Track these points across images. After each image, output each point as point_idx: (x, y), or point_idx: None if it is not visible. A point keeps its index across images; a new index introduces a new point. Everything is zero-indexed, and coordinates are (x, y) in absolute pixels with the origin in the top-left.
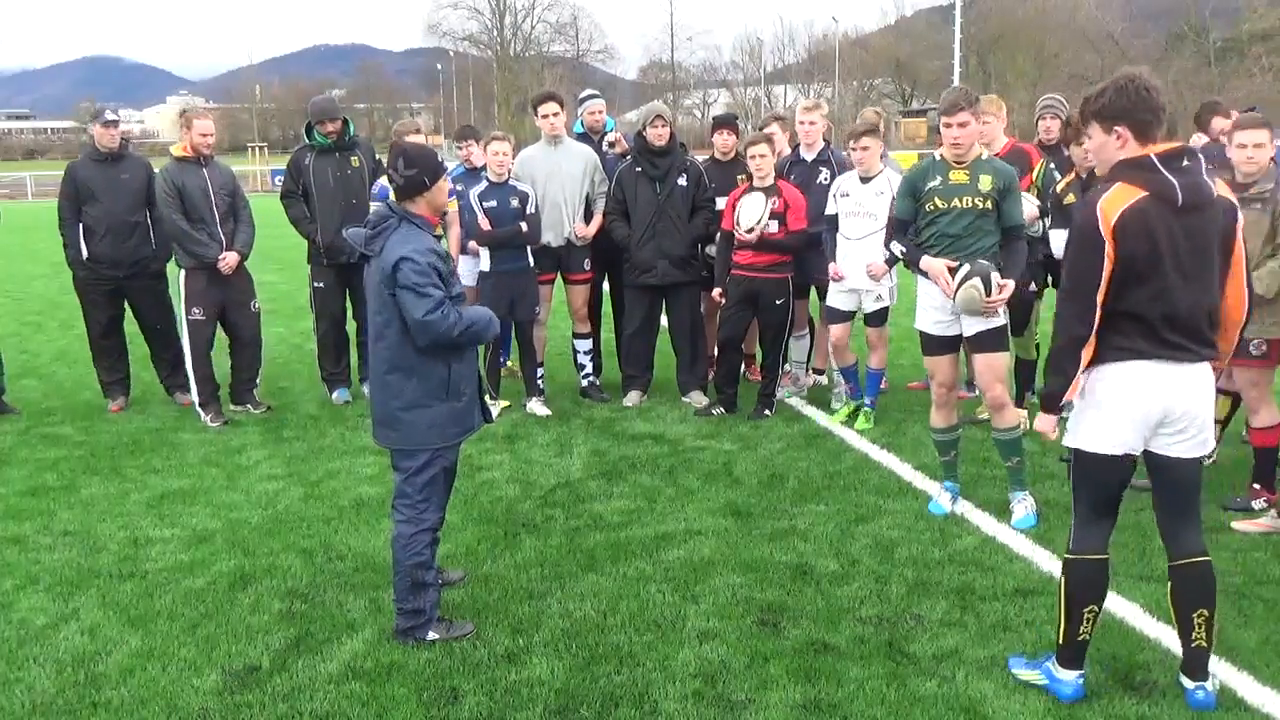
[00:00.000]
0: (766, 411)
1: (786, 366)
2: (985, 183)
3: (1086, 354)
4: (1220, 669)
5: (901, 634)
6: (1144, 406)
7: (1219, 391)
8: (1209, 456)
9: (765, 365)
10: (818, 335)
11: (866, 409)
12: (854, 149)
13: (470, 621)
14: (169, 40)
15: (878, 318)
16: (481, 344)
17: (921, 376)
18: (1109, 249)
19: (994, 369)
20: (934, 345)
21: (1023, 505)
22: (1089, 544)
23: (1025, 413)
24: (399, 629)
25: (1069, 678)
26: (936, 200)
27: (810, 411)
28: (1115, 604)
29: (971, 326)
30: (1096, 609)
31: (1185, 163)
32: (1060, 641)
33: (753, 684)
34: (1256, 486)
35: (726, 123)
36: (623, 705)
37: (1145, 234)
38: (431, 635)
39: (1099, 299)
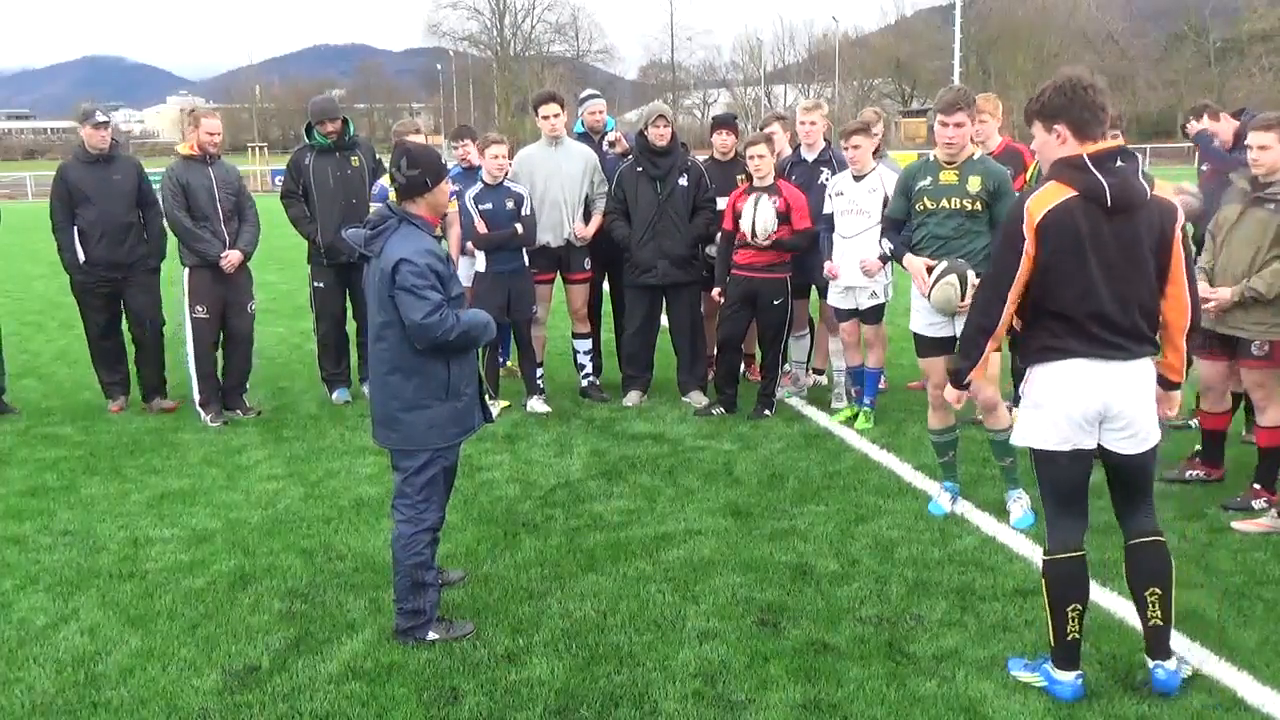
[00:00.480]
0: (766, 411)
1: (786, 366)
2: (974, 184)
3: (991, 345)
4: (1220, 669)
5: (901, 634)
6: (1081, 404)
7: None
8: (1163, 440)
9: (765, 365)
10: (817, 335)
11: (866, 409)
12: (845, 148)
13: (470, 621)
14: (169, 40)
15: (873, 315)
16: (478, 347)
17: (920, 376)
18: (1029, 246)
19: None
20: (927, 346)
21: (1019, 504)
22: (1062, 542)
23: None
24: (399, 629)
25: (1067, 678)
26: (926, 200)
27: (810, 411)
28: (1113, 603)
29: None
30: (1081, 607)
31: (1118, 163)
32: (1052, 643)
33: (753, 684)
34: (1257, 486)
35: (726, 123)
36: (623, 705)
37: (1070, 233)
38: (431, 635)
39: (1011, 294)
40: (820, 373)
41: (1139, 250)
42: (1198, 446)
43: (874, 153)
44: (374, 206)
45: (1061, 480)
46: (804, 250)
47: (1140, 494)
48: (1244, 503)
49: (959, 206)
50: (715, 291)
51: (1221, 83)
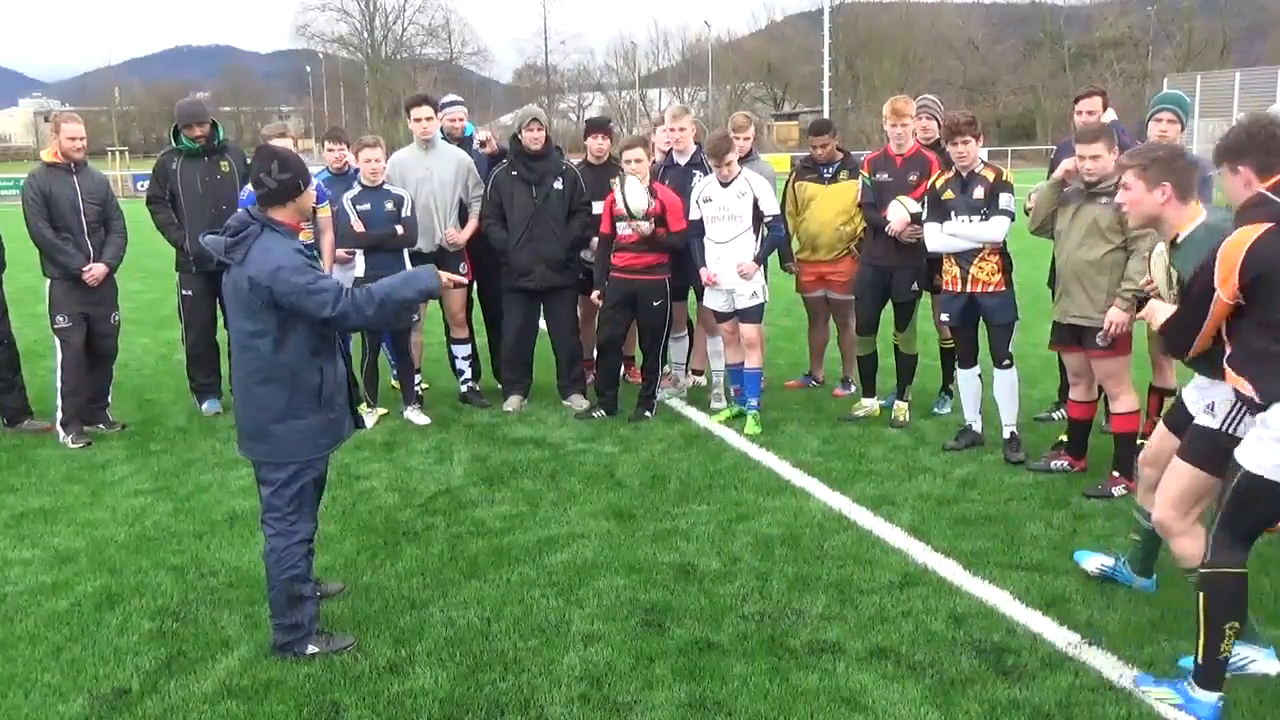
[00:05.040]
0: (647, 413)
1: (666, 368)
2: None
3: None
4: (1087, 653)
5: (783, 629)
6: None
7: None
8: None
9: (645, 367)
10: (696, 336)
11: (754, 412)
12: (715, 165)
13: (351, 634)
14: (21, 40)
15: (754, 314)
16: (411, 309)
17: (798, 375)
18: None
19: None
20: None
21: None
22: (1239, 559)
23: (875, 403)
24: (276, 644)
25: (1211, 698)
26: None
27: (690, 412)
28: (983, 591)
29: None
30: (1239, 625)
31: None
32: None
33: (638, 684)
34: (1116, 474)
35: (600, 127)
36: (509, 712)
37: None
38: (311, 649)
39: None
40: (699, 373)
41: None
42: (1062, 438)
43: (744, 157)
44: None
45: (1273, 511)
46: (681, 250)
47: None
48: (1104, 490)
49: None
50: (594, 294)
51: (1077, 87)
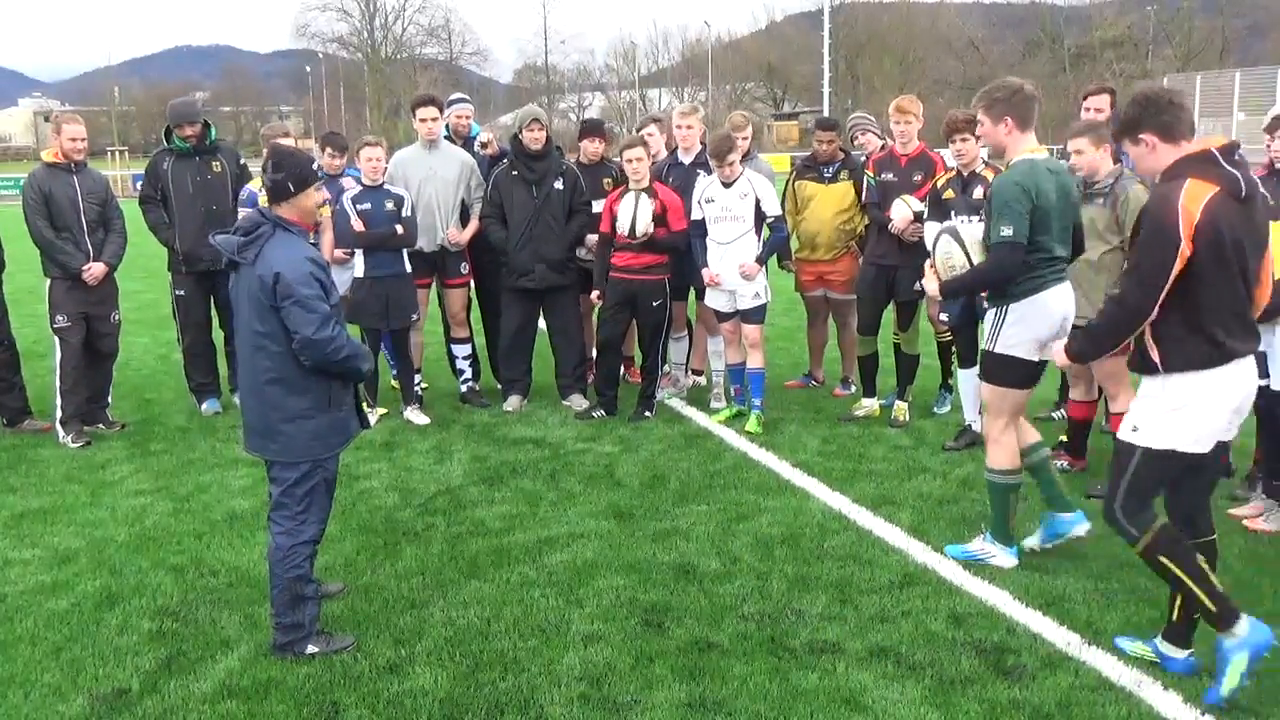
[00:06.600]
0: (647, 413)
1: (666, 368)
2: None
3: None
4: (1087, 652)
5: (783, 629)
6: (1235, 405)
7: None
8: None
9: (645, 367)
10: (695, 336)
11: (757, 412)
12: (717, 165)
13: (351, 634)
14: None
15: (756, 315)
16: (354, 378)
17: (798, 375)
18: (1185, 248)
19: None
20: (1023, 376)
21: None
22: (1154, 516)
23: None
24: (277, 644)
25: (1181, 655)
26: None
27: (690, 412)
28: (986, 591)
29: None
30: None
31: (1235, 156)
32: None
33: (638, 684)
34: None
35: (595, 130)
36: (508, 712)
37: (1222, 230)
38: (311, 649)
39: (1164, 292)
40: (699, 373)
41: (1262, 240)
42: (1063, 437)
43: (743, 156)
44: (243, 212)
45: (1170, 475)
46: (680, 250)
47: (1214, 486)
48: (1104, 490)
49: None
50: (594, 294)
51: (1076, 87)
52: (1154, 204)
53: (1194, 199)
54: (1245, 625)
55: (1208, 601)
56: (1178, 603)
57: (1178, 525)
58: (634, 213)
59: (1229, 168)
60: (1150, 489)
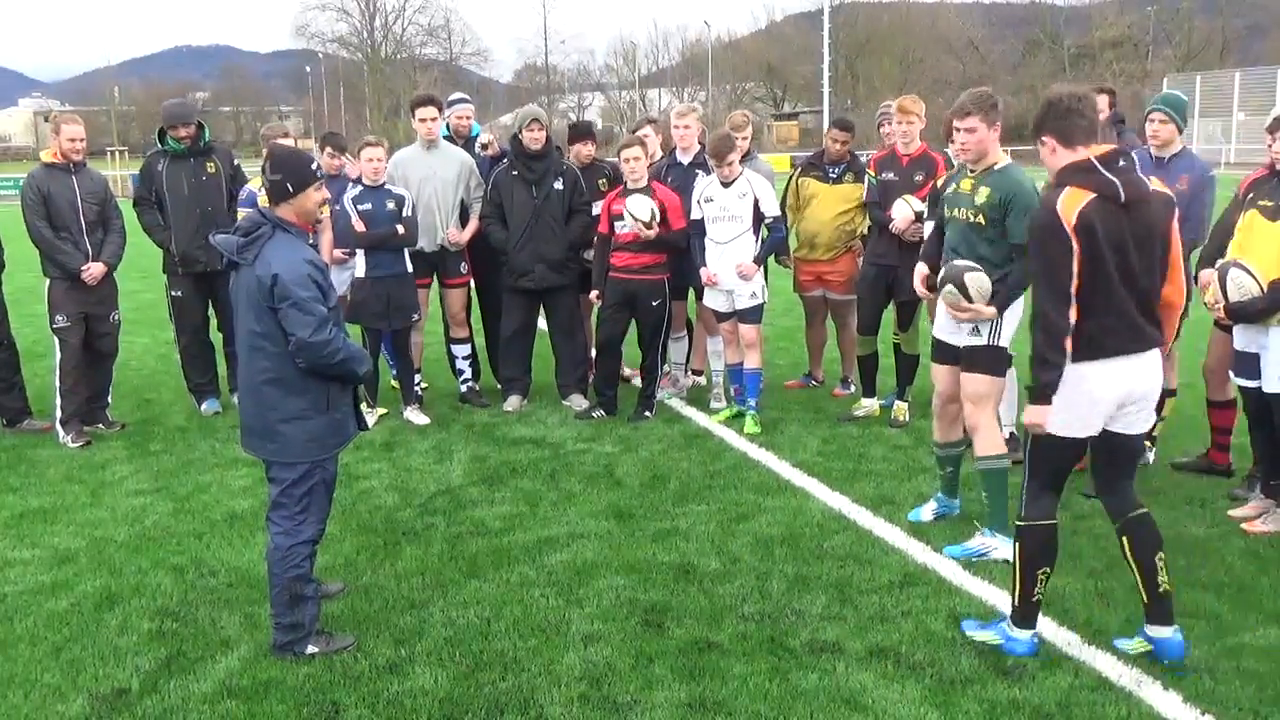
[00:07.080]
0: (647, 413)
1: (665, 368)
2: (982, 195)
3: (1070, 346)
4: (1086, 651)
5: (783, 629)
6: (1116, 395)
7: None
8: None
9: (644, 366)
10: (695, 336)
11: (753, 413)
12: (716, 165)
13: (351, 634)
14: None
15: (753, 315)
16: (351, 381)
17: (798, 375)
18: (1074, 246)
19: (970, 390)
20: (942, 352)
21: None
22: (1045, 510)
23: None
24: (277, 644)
25: (1024, 636)
26: (946, 208)
27: (690, 412)
28: (985, 591)
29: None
30: (1049, 570)
31: (1120, 163)
32: (1016, 603)
33: (638, 684)
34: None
35: (584, 134)
36: (508, 712)
37: (1099, 232)
38: (311, 649)
39: (1072, 292)
40: (699, 373)
41: (1153, 242)
42: None
43: (743, 156)
44: (242, 213)
45: (1065, 460)
46: (680, 249)
47: (1130, 471)
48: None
49: (964, 218)
50: (593, 294)
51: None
52: (1038, 213)
53: (1069, 206)
54: (1028, 638)
55: (1018, 600)
56: (1142, 585)
57: (1106, 503)
58: (639, 207)
59: (1108, 175)
60: (1043, 470)
